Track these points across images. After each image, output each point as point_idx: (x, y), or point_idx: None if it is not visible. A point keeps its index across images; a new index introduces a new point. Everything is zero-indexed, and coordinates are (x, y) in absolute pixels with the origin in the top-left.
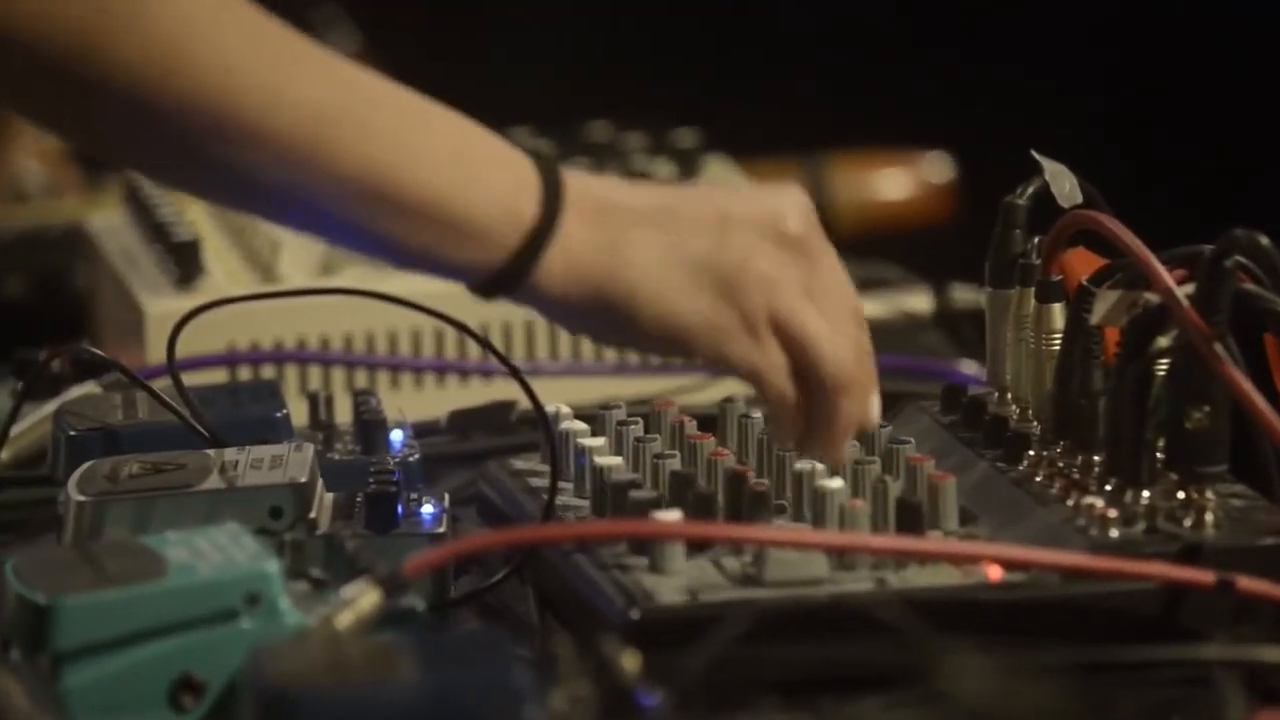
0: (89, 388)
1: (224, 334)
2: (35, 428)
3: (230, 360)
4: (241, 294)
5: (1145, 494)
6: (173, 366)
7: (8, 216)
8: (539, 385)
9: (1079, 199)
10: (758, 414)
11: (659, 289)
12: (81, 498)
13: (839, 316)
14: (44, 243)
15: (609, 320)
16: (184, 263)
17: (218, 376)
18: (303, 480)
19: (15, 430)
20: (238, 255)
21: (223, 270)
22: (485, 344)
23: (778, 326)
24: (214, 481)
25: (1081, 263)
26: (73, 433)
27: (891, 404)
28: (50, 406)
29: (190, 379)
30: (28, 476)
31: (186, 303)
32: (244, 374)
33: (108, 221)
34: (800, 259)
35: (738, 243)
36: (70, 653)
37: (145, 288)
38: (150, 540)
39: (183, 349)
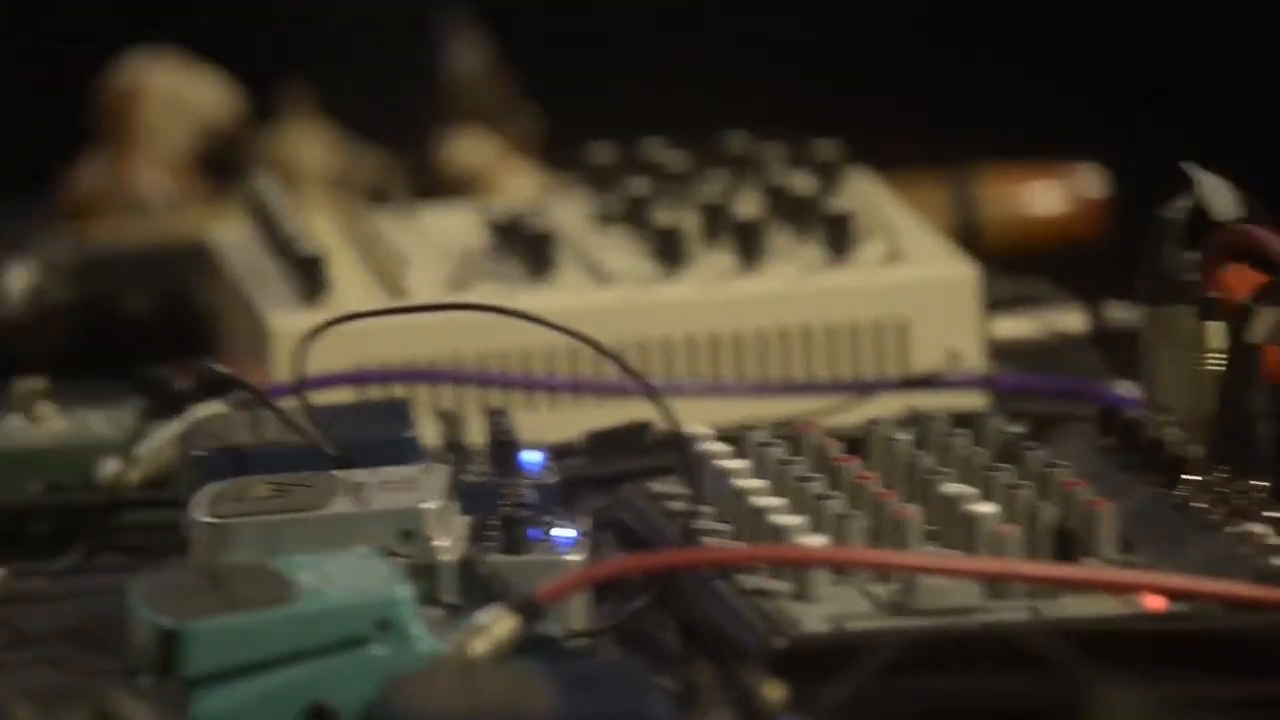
0: (215, 406)
1: (351, 352)
2: (161, 448)
3: (359, 379)
4: (369, 309)
5: None
6: (300, 385)
7: (129, 230)
8: (678, 405)
9: (1237, 213)
10: (904, 436)
11: None
12: (209, 519)
13: None
14: (167, 258)
15: None
16: (310, 278)
17: (345, 395)
18: (435, 503)
19: (142, 450)
20: (365, 270)
21: (350, 286)
22: (621, 363)
23: None
24: (343, 504)
25: (1242, 279)
26: (200, 453)
27: (1045, 426)
28: (175, 425)
29: (318, 397)
30: (154, 498)
31: (312, 319)
32: (373, 393)
33: (231, 235)
34: None
35: None
36: (200, 678)
37: (270, 303)
38: (279, 563)
39: (310, 366)
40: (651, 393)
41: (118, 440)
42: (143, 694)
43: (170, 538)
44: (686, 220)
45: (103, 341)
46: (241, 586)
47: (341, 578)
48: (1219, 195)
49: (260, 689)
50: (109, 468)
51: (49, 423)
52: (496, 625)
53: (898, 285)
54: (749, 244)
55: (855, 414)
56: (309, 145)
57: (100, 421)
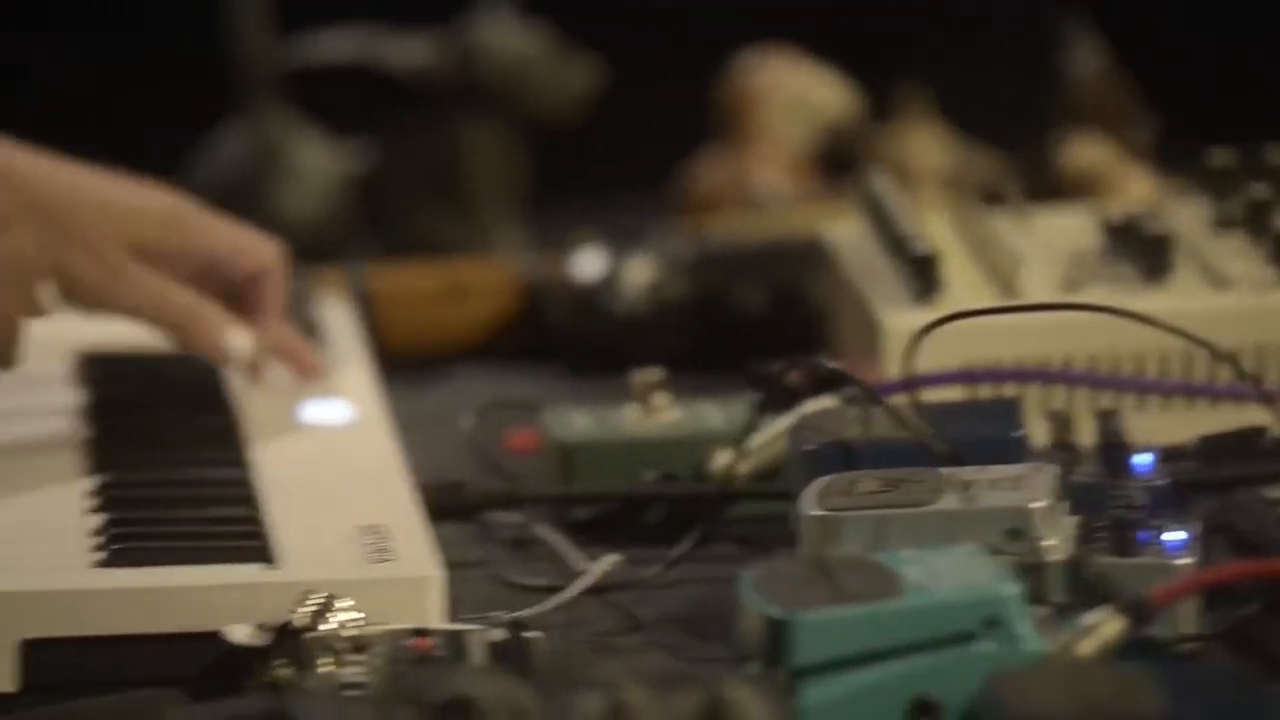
0: (826, 401)
1: (962, 350)
2: (772, 441)
3: (969, 378)
4: (981, 308)
5: None
6: (911, 382)
7: (746, 227)
8: None
9: None
10: None
11: None
12: (817, 512)
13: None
14: (782, 254)
15: None
16: (923, 276)
17: (955, 394)
18: (1043, 503)
19: (753, 443)
20: (978, 270)
21: (963, 285)
22: (1237, 367)
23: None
24: (951, 501)
25: None
26: (810, 447)
27: None
28: (786, 420)
29: (927, 395)
30: (764, 490)
31: (924, 317)
32: (983, 392)
33: (846, 233)
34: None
35: None
36: (808, 669)
37: (883, 301)
38: (886, 558)
39: (920, 364)
40: (1268, 398)
41: (730, 432)
42: (751, 682)
43: (779, 529)
44: None
45: (717, 335)
46: (850, 579)
47: (949, 574)
48: None
49: (866, 681)
50: (721, 459)
51: (664, 413)
52: (1105, 626)
53: None
54: None
55: None
56: (924, 145)
57: (714, 413)
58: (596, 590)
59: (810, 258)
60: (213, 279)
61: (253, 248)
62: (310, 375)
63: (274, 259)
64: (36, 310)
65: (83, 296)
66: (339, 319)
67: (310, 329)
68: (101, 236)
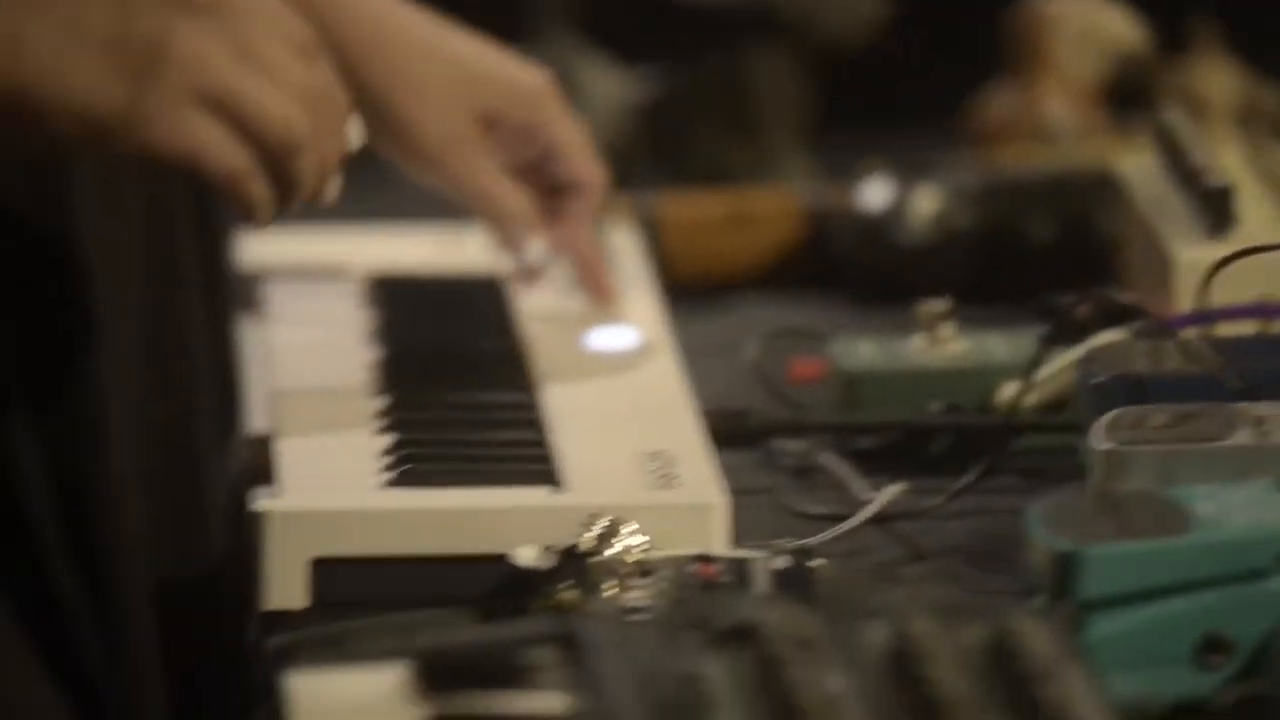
0: (1115, 334)
1: (1256, 284)
2: (1060, 374)
3: (1263, 312)
4: (1276, 243)
5: None
6: (1203, 316)
7: (1035, 158)
8: None
9: None
10: None
11: (65, 78)
12: (1107, 446)
13: (278, 70)
14: (1072, 186)
15: (21, 117)
16: (1217, 210)
17: (1248, 329)
18: None
19: (1040, 375)
20: (1270, 204)
21: (1256, 220)
22: None
23: (211, 102)
24: (1244, 436)
25: None
26: (1098, 379)
27: None
28: (1075, 352)
29: (1220, 330)
30: (1051, 422)
31: (1217, 251)
32: (1277, 327)
33: (1138, 165)
34: (220, 23)
35: (147, 20)
36: (1096, 603)
37: (1175, 234)
38: (1175, 493)
39: (1213, 299)
40: None
41: (1017, 364)
42: (1038, 615)
43: (1065, 462)
44: None
45: (1004, 267)
46: (1139, 514)
47: (1241, 510)
48: None
49: (1154, 616)
50: (1007, 390)
51: (951, 344)
52: None
53: None
54: None
55: None
56: (1216, 80)
57: (1000, 345)
58: (879, 520)
59: (1100, 190)
60: (534, 171)
61: (587, 159)
62: (603, 298)
63: (599, 178)
64: (344, 145)
65: (418, 158)
66: (626, 246)
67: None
68: (447, 100)
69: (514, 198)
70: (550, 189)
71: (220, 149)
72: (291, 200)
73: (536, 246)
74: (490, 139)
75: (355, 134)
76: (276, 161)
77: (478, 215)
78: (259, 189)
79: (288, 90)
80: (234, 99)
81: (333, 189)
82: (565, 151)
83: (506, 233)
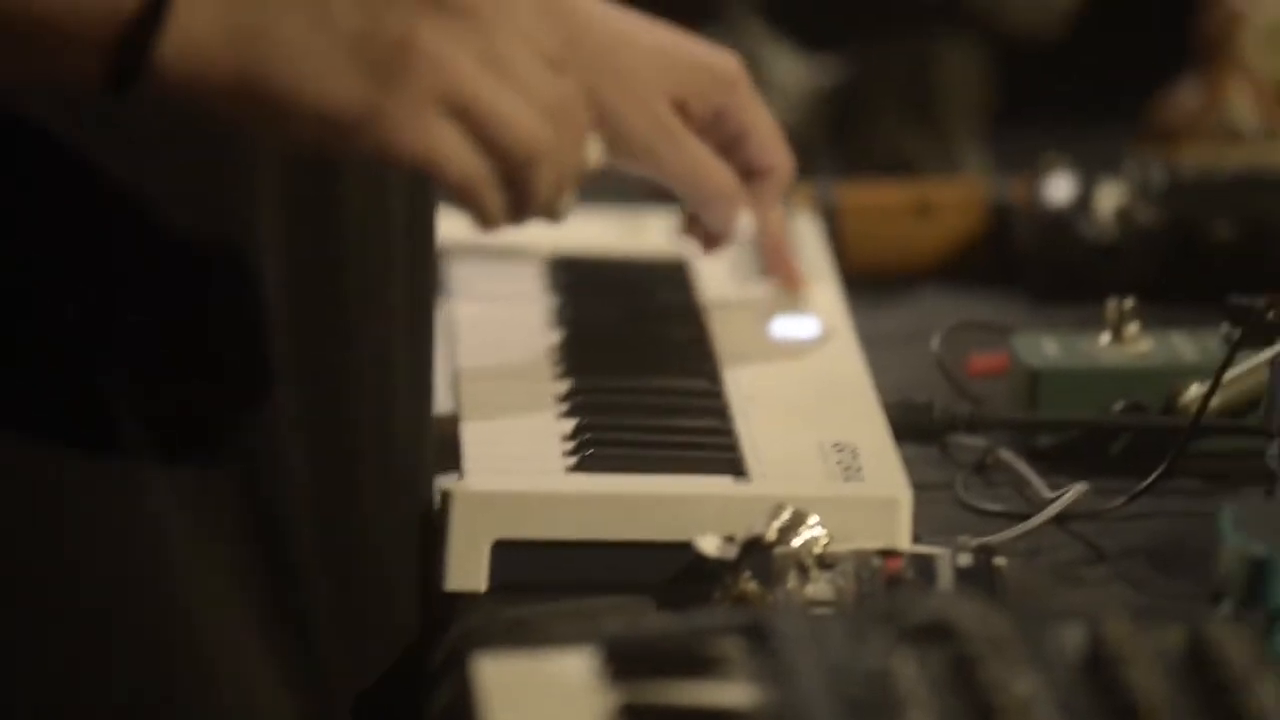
0: None
1: None
2: (1247, 375)
3: None
4: None
5: None
6: None
7: (1221, 157)
8: None
9: None
10: None
11: (308, 74)
12: None
13: (525, 80)
14: (1257, 185)
15: (259, 112)
16: None
17: None
18: None
19: (1228, 377)
20: None
21: None
22: None
23: (454, 107)
24: None
25: None
26: None
27: None
28: (1264, 355)
29: None
30: (1237, 425)
31: None
32: None
33: None
34: (470, 26)
35: (396, 19)
36: None
37: None
38: None
39: None
40: None
41: (1203, 365)
42: (1232, 621)
43: (1249, 466)
44: None
45: (1189, 266)
46: None
47: None
48: None
49: None
50: (1192, 392)
51: (1136, 343)
52: None
53: None
54: None
55: None
56: None
57: (1186, 345)
58: (1059, 519)
59: None
60: (724, 154)
61: (777, 143)
62: (791, 283)
63: (789, 164)
64: (584, 162)
65: (628, 150)
66: (809, 234)
67: None
68: (650, 89)
69: (725, 176)
70: (739, 173)
71: (459, 156)
72: (524, 213)
73: (747, 225)
74: (685, 119)
75: (595, 151)
76: (513, 172)
77: (689, 197)
78: (493, 199)
79: (532, 101)
80: (478, 106)
81: (567, 205)
82: (756, 136)
83: (719, 213)
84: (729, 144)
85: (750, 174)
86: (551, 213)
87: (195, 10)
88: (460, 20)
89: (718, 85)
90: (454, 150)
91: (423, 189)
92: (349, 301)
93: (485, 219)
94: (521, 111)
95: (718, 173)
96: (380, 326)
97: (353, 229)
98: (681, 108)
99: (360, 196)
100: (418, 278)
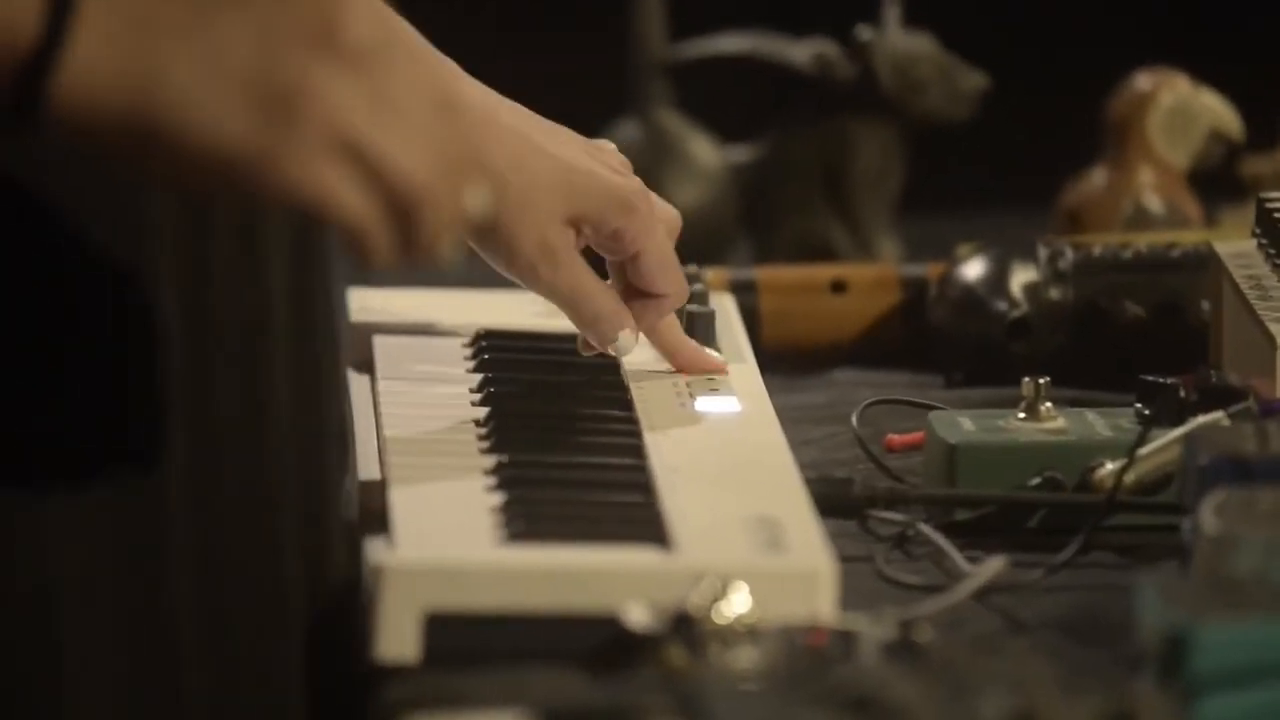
0: (1216, 416)
1: None
2: (1160, 452)
3: None
4: None
5: None
6: None
7: (1128, 239)
8: None
9: None
10: None
11: (199, 115)
12: (1215, 528)
13: (414, 123)
14: (1164, 267)
15: (150, 152)
16: None
17: None
18: None
19: (1141, 453)
20: None
21: None
22: None
23: (344, 149)
24: None
25: None
26: (1203, 461)
27: None
28: (1178, 432)
29: None
30: (1151, 501)
31: None
32: None
33: (1232, 248)
34: (363, 71)
35: (289, 62)
36: (1206, 682)
37: (1275, 316)
38: None
39: None
40: None
41: (1117, 441)
42: (1153, 692)
43: (1163, 541)
44: None
45: (1099, 342)
46: (1250, 594)
47: None
48: None
49: (1267, 699)
50: (1106, 468)
51: (1051, 420)
52: None
53: None
54: None
55: None
56: None
57: (1100, 422)
58: (978, 592)
59: (1193, 272)
60: (619, 272)
61: (671, 271)
62: (707, 373)
63: (682, 291)
64: (471, 207)
65: (511, 266)
66: (725, 312)
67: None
68: (545, 210)
69: (604, 300)
70: (633, 291)
71: (348, 198)
72: (411, 254)
73: (630, 342)
74: (578, 240)
75: (481, 199)
76: (401, 214)
77: (570, 317)
78: (380, 240)
79: (422, 144)
80: (368, 148)
81: (455, 251)
82: (649, 261)
83: (598, 334)
84: (623, 264)
85: (644, 294)
86: (437, 256)
87: (90, 49)
88: (351, 64)
89: (616, 209)
90: (344, 192)
91: (310, 246)
92: (222, 349)
93: (371, 259)
94: (410, 154)
95: (597, 297)
96: (255, 378)
97: (225, 274)
98: (576, 225)
99: (233, 245)
100: (307, 334)
